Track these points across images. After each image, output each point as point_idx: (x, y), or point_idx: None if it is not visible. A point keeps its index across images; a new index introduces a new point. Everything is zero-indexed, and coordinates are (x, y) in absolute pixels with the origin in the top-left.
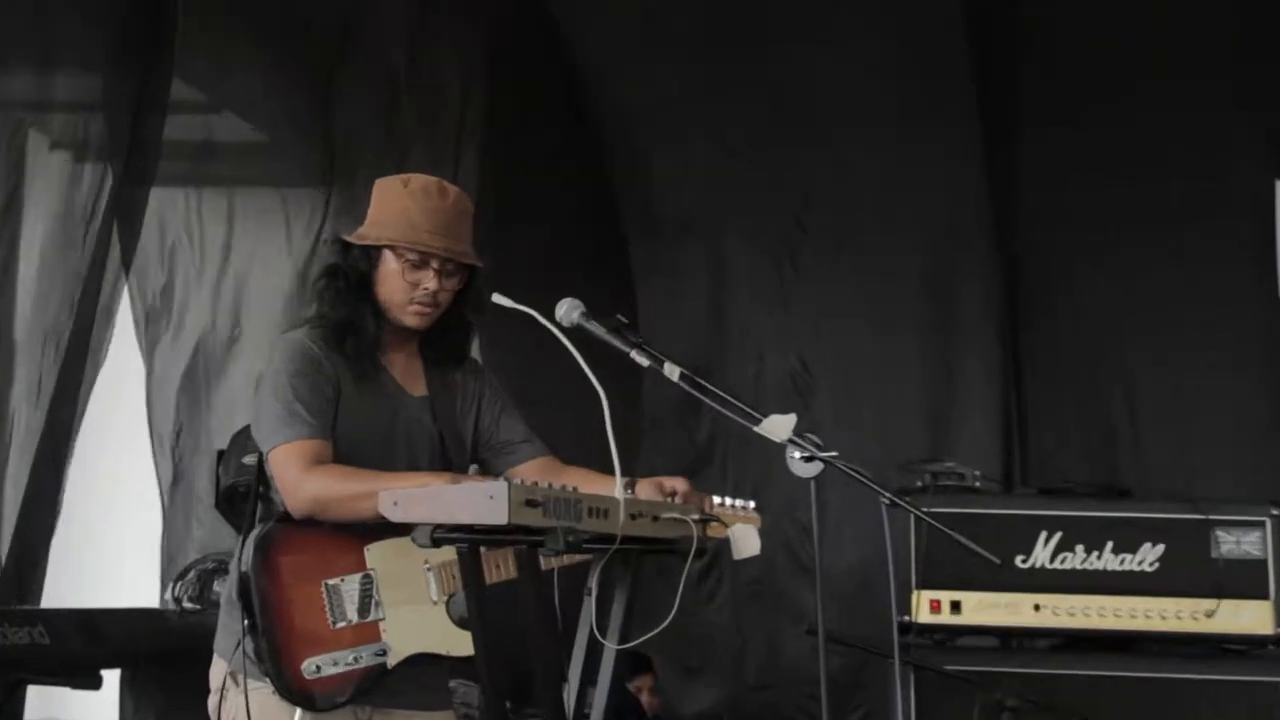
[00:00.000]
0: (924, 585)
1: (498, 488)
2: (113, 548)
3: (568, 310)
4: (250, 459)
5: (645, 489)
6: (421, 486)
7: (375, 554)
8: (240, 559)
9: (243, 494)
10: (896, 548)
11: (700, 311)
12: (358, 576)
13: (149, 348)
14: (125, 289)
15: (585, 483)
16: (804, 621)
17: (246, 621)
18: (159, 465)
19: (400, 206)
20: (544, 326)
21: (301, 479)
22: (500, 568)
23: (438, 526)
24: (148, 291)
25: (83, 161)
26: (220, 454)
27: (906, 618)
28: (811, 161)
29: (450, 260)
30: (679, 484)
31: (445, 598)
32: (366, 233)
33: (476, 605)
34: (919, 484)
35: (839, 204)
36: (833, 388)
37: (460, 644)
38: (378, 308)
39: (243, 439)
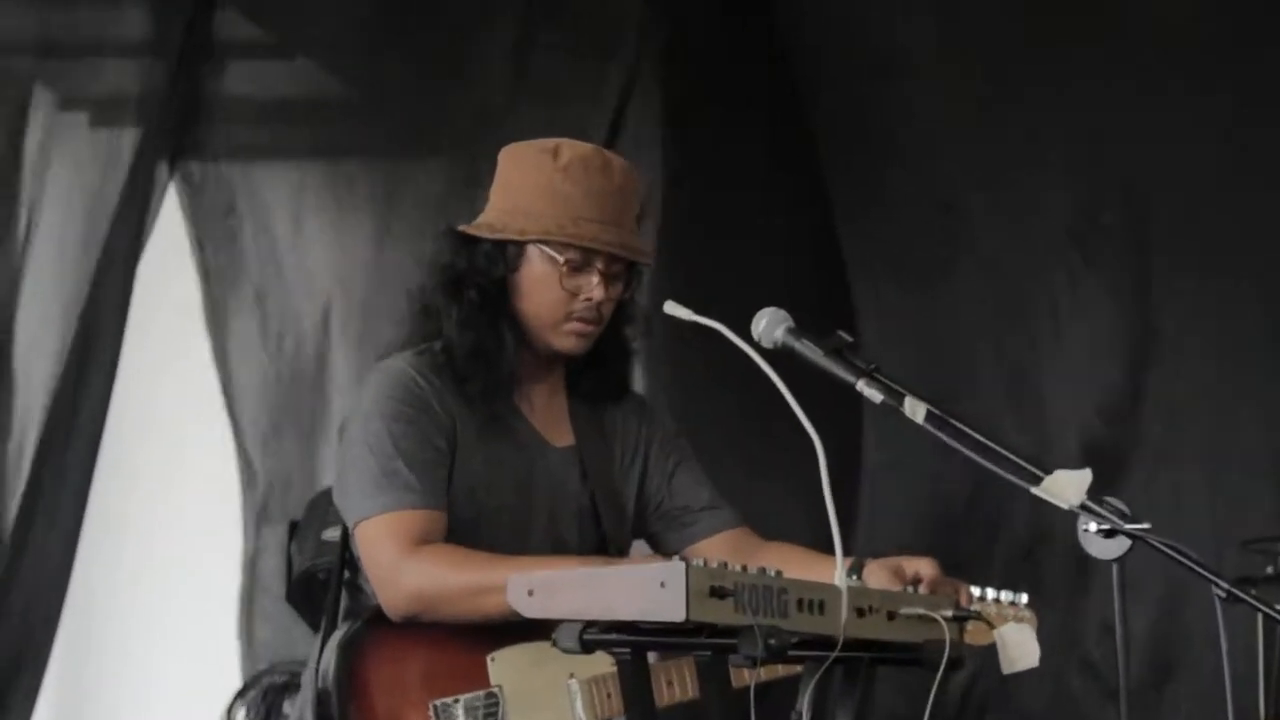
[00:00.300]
0: None
1: (671, 571)
2: (144, 650)
3: (769, 325)
4: (332, 534)
5: (877, 574)
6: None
7: (503, 665)
8: (318, 671)
9: (323, 581)
10: (1236, 661)
11: (945, 329)
12: (479, 696)
13: (227, 376)
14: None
15: (792, 564)
16: None
17: None
18: (249, 542)
19: (550, 186)
20: (728, 351)
21: (401, 565)
22: (674, 684)
23: (589, 625)
24: (223, 295)
25: (111, 126)
26: (293, 526)
27: None
28: (1115, 137)
29: (617, 260)
30: (924, 567)
31: None
32: (504, 222)
33: None
34: (1270, 570)
35: (1155, 195)
36: (1141, 436)
37: None
38: (517, 328)
39: (324, 506)
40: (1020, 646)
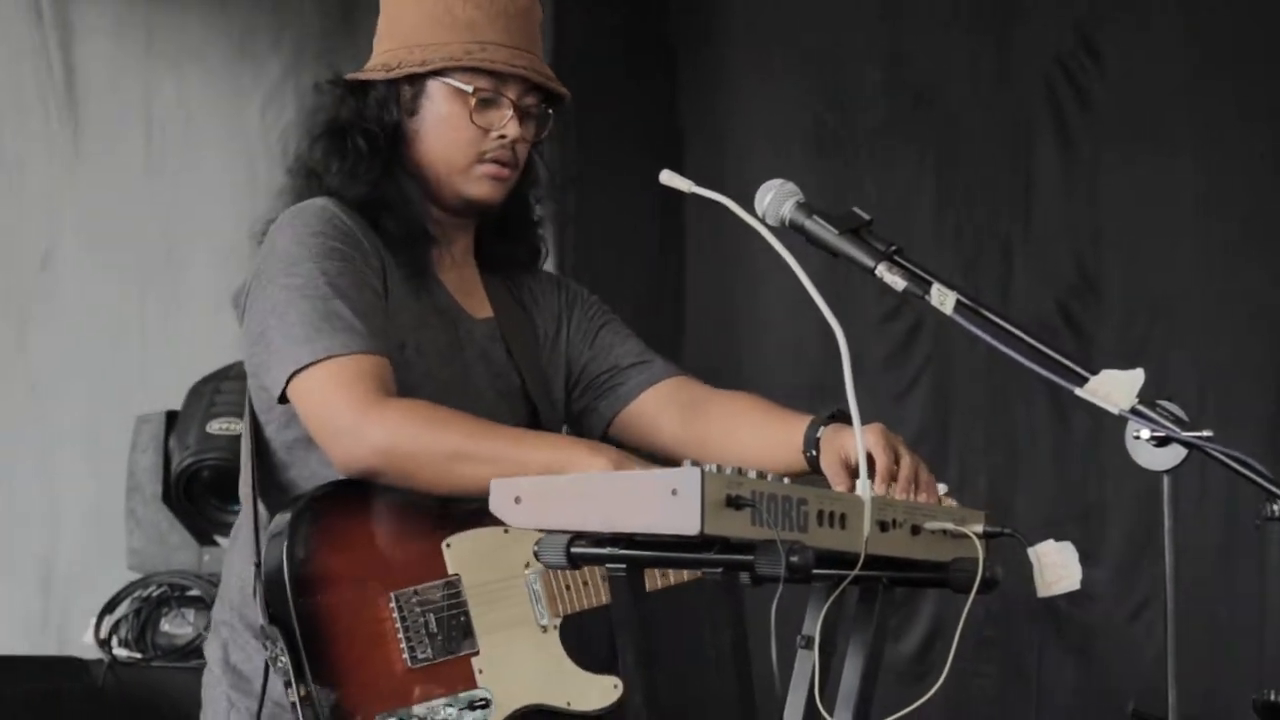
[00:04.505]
0: None
1: (684, 477)
2: None
3: (776, 199)
4: (221, 426)
5: (827, 465)
6: (550, 470)
7: (459, 552)
8: (261, 565)
9: (208, 480)
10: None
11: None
12: (438, 585)
13: None
14: None
15: (752, 417)
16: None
17: (285, 659)
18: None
19: (448, 11)
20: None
21: (368, 413)
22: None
23: (577, 536)
24: None
25: None
26: (170, 418)
27: (1274, 695)
28: None
29: (530, 92)
30: (870, 436)
31: (557, 621)
32: (399, 59)
33: (634, 653)
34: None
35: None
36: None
37: (585, 692)
38: (419, 178)
39: (208, 394)
40: (1060, 565)
